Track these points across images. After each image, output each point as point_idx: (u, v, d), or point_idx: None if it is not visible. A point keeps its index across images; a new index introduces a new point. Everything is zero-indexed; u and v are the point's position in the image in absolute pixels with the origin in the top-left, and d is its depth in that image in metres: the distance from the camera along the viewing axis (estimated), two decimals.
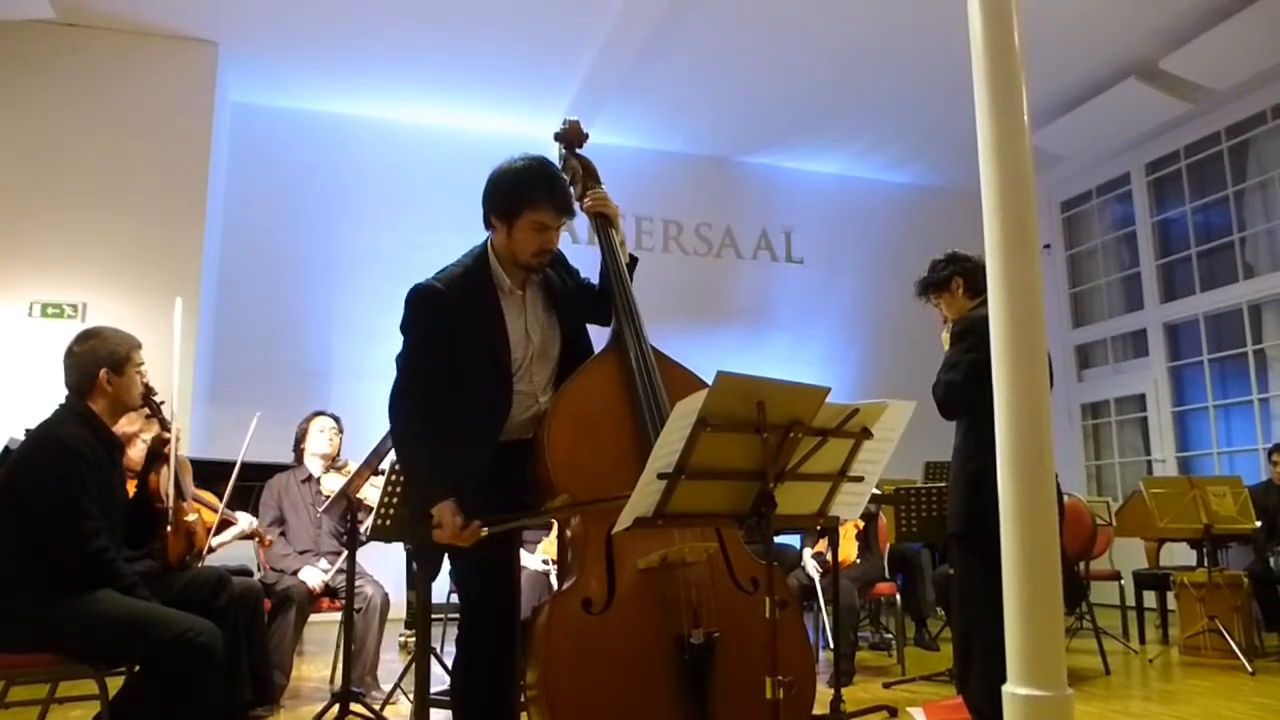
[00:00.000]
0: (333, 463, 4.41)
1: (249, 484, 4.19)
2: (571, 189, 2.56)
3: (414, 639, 3.62)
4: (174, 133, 6.53)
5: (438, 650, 4.20)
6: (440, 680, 3.41)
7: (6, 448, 3.78)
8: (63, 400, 2.80)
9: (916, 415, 1.95)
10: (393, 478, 3.55)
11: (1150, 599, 6.29)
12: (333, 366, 7.50)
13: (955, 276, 3.44)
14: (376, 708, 3.53)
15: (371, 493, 3.67)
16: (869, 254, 9.15)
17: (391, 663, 4.81)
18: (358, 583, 3.79)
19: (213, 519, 3.61)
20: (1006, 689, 1.96)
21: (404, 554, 5.06)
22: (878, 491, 3.96)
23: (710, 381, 1.72)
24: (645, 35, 6.60)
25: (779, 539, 5.43)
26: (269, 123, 7.63)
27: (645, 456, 1.76)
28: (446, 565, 2.68)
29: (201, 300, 6.51)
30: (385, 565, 5.03)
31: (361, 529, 3.67)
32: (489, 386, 2.31)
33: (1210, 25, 6.49)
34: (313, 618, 4.24)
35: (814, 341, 8.89)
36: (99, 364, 2.77)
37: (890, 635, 5.75)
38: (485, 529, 2.11)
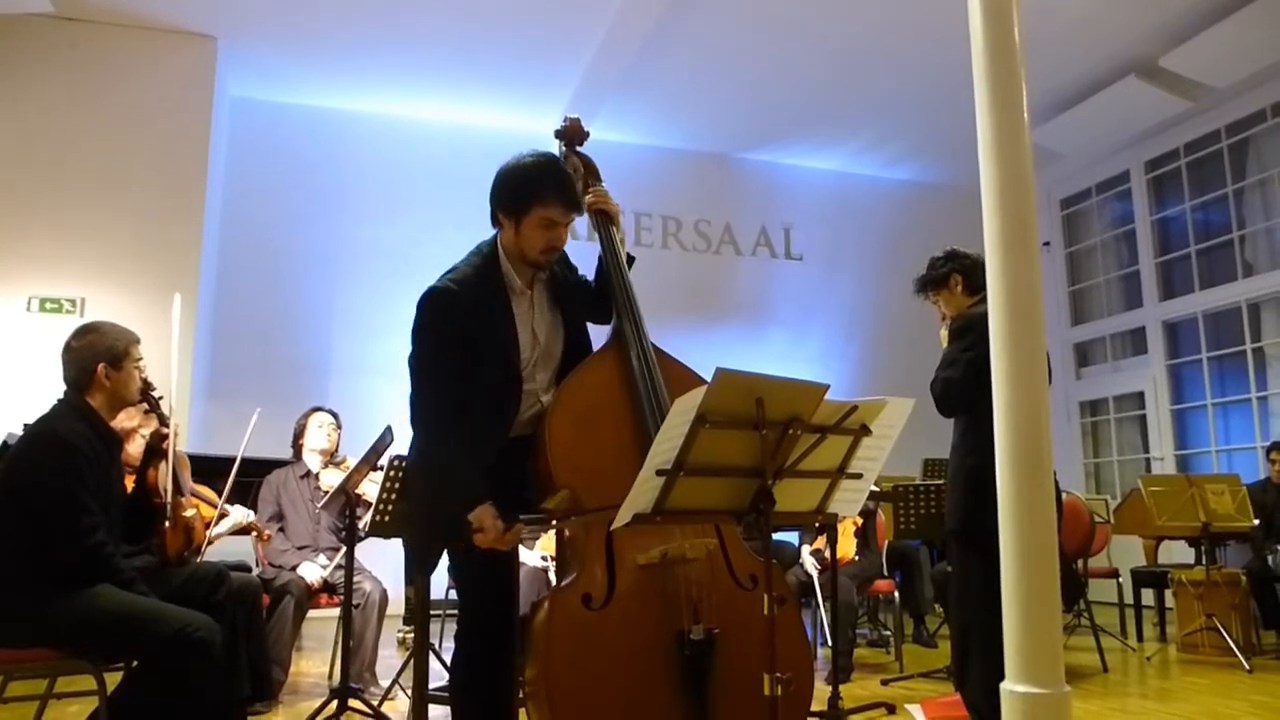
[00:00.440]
0: (331, 458, 4.41)
1: (248, 479, 4.18)
2: None
3: (412, 635, 3.63)
4: (173, 127, 6.52)
5: (436, 646, 4.20)
6: (439, 676, 3.41)
7: (5, 443, 3.78)
8: (61, 395, 2.80)
9: (915, 412, 1.95)
10: (391, 473, 3.55)
11: (1148, 597, 6.29)
12: (332, 362, 7.49)
13: (954, 274, 3.44)
14: (375, 704, 3.53)
15: (370, 488, 3.68)
16: (868, 251, 9.15)
17: (390, 659, 4.82)
18: (356, 578, 3.79)
19: (211, 514, 3.61)
20: (1004, 686, 1.96)
21: (402, 550, 5.06)
22: (876, 488, 3.97)
23: (709, 378, 1.71)
24: (645, 31, 6.59)
25: (777, 536, 5.42)
26: (268, 118, 7.62)
27: (645, 453, 1.75)
28: (444, 562, 2.67)
29: (200, 295, 6.51)
30: (384, 561, 5.02)
31: (360, 524, 3.67)
32: (500, 387, 2.30)
33: (1210, 23, 6.49)
34: (311, 613, 4.24)
35: (813, 338, 8.89)
36: (97, 359, 2.77)
37: (888, 632, 5.75)
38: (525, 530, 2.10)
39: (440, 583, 4.88)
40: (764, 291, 8.96)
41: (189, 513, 3.17)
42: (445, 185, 7.47)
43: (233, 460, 3.67)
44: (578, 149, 2.72)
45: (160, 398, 3.02)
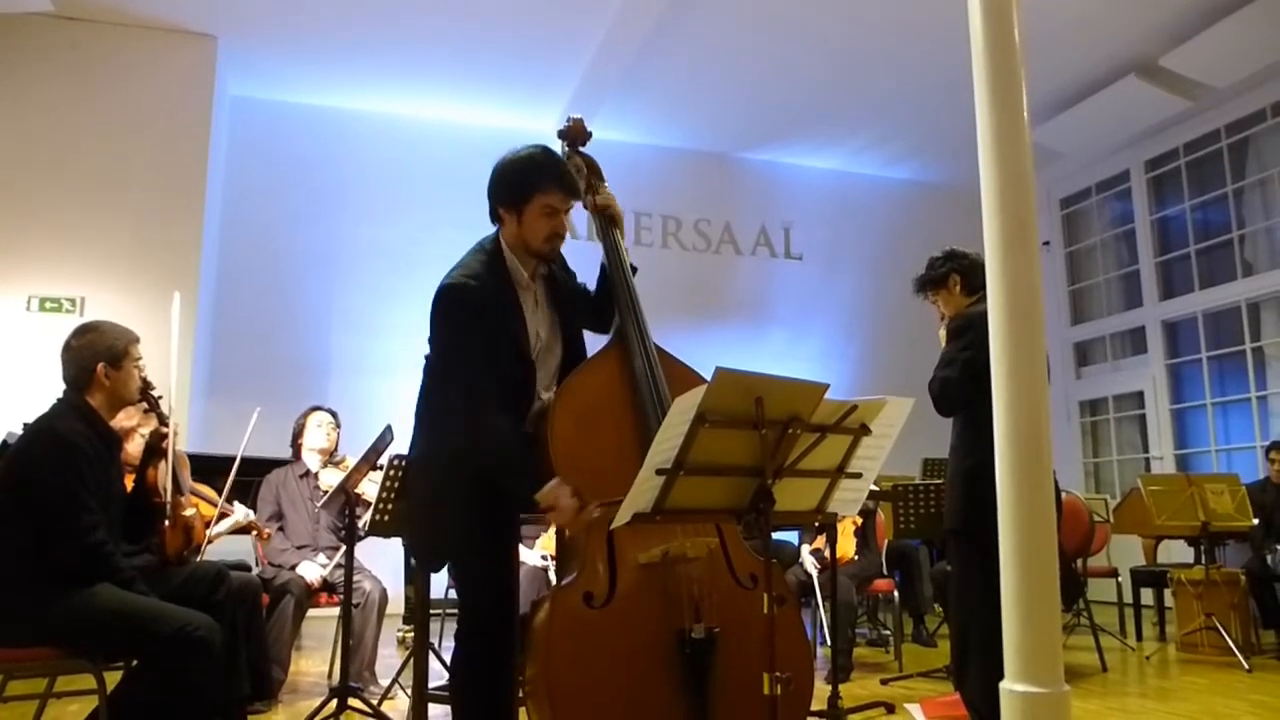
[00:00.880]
0: (330, 458, 4.41)
1: (247, 479, 4.18)
2: None
3: (412, 634, 3.63)
4: (173, 127, 6.52)
5: (436, 645, 4.20)
6: (438, 675, 3.41)
7: (4, 442, 3.78)
8: (60, 394, 2.80)
9: (915, 412, 1.95)
10: (391, 473, 3.55)
11: (1148, 596, 6.29)
12: (331, 361, 7.50)
13: (953, 274, 3.44)
14: (375, 703, 3.53)
15: (369, 488, 3.68)
16: (868, 250, 9.15)
17: (390, 658, 4.82)
18: (356, 578, 3.79)
19: (211, 513, 3.61)
20: (1004, 685, 1.96)
21: (402, 549, 5.06)
22: (876, 488, 3.97)
23: (709, 378, 1.71)
24: (645, 31, 6.59)
25: (777, 535, 5.42)
26: (268, 117, 7.62)
27: (646, 453, 1.76)
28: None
29: (200, 294, 6.51)
30: (383, 560, 5.03)
31: (360, 524, 3.67)
32: (515, 375, 2.33)
33: (1210, 23, 6.49)
34: (311, 613, 4.24)
35: (812, 338, 8.89)
36: (97, 358, 2.77)
37: (888, 632, 5.76)
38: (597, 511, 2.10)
39: (440, 582, 4.88)
40: (764, 291, 8.96)
41: (189, 512, 3.17)
42: (445, 185, 7.46)
43: (232, 459, 3.68)
44: (580, 149, 2.74)
45: (160, 397, 3.02)
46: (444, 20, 6.53)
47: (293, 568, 4.09)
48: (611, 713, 2.08)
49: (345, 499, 3.59)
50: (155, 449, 3.02)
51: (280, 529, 4.24)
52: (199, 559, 3.30)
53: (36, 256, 6.09)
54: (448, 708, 2.42)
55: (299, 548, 4.22)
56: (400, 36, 6.74)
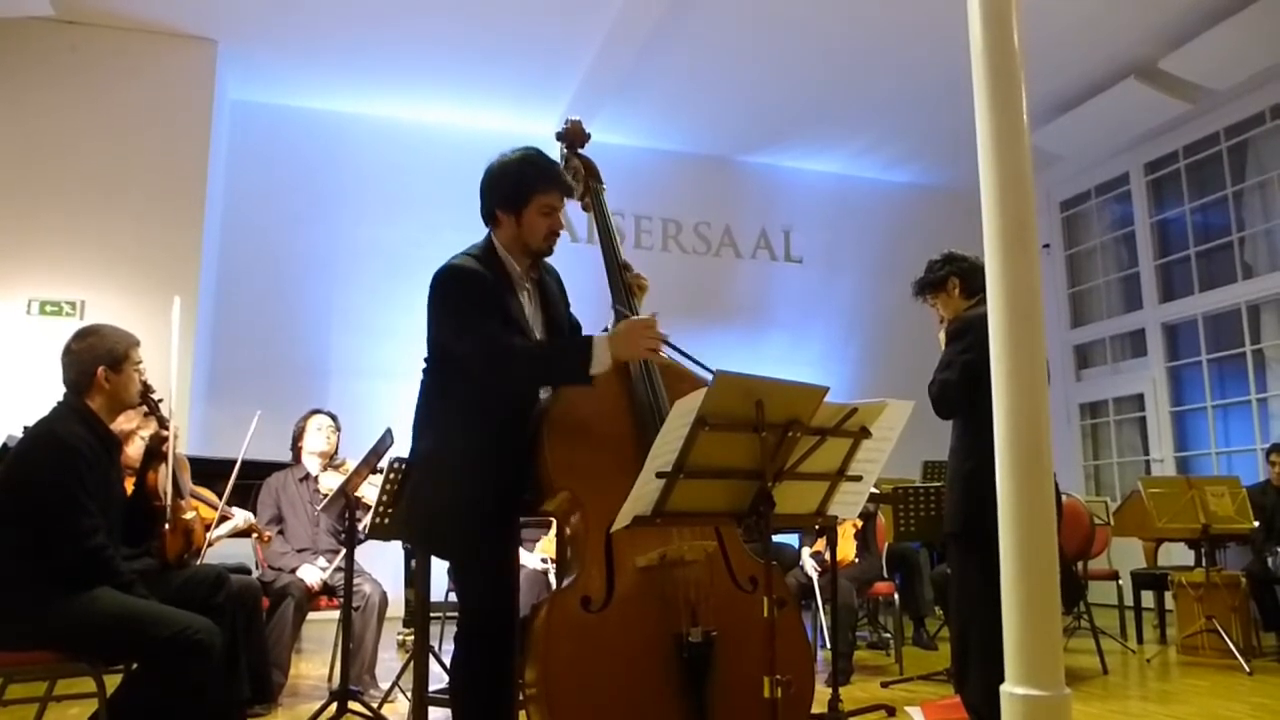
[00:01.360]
0: (330, 461, 4.41)
1: (247, 482, 4.18)
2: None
3: (412, 637, 3.62)
4: (173, 130, 6.52)
5: (436, 648, 4.20)
6: (438, 679, 3.41)
7: (5, 445, 3.78)
8: (60, 398, 2.80)
9: (915, 414, 1.95)
10: (391, 476, 3.55)
11: (1148, 599, 6.29)
12: (332, 364, 7.49)
13: (952, 277, 3.45)
14: (375, 706, 3.53)
15: (369, 491, 3.68)
16: (868, 253, 9.14)
17: (390, 661, 4.81)
18: (356, 581, 3.79)
19: (211, 517, 3.61)
20: (1004, 688, 1.96)
21: (402, 552, 5.06)
22: (876, 491, 3.96)
23: (709, 381, 1.72)
24: (645, 34, 6.59)
25: (777, 538, 5.42)
26: (268, 120, 7.62)
27: (645, 455, 1.76)
28: (444, 563, 2.67)
29: (200, 298, 6.51)
30: (383, 563, 5.03)
31: (360, 527, 3.67)
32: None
33: (1209, 25, 6.49)
34: (311, 616, 4.24)
35: (812, 340, 8.89)
36: (97, 361, 2.77)
37: (888, 634, 5.75)
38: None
39: (440, 585, 4.88)
40: (764, 294, 8.96)
41: (189, 515, 3.17)
42: (445, 187, 7.43)
43: (233, 463, 3.67)
44: (579, 151, 2.76)
45: (160, 400, 3.02)
46: (443, 23, 6.53)
47: (293, 571, 4.09)
48: (610, 716, 2.08)
49: (345, 502, 3.59)
50: (155, 452, 3.02)
51: (280, 532, 4.24)
52: (199, 562, 3.30)
53: (37, 260, 6.09)
54: (448, 711, 2.41)
55: (299, 551, 4.22)
56: (400, 39, 6.75)
